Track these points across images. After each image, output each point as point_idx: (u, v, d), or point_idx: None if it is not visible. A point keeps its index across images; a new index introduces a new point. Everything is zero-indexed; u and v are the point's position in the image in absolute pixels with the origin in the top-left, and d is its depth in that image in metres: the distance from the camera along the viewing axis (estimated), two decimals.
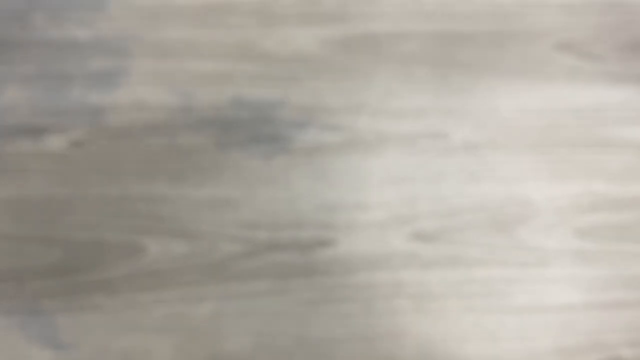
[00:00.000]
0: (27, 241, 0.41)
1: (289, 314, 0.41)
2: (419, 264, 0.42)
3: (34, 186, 0.41)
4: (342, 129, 0.43)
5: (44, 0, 0.43)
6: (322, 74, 0.43)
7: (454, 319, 0.42)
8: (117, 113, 0.42)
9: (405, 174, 0.43)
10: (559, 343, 0.42)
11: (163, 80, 0.43)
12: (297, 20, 0.44)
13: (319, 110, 0.43)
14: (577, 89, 0.44)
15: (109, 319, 0.40)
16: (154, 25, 0.43)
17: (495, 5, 0.45)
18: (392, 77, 0.43)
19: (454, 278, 0.42)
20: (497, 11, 0.45)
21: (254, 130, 0.42)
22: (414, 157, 0.43)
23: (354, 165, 0.42)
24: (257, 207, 0.42)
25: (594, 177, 0.43)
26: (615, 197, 0.43)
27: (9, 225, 0.41)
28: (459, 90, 0.44)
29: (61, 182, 0.41)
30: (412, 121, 0.43)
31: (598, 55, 0.45)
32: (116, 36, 0.43)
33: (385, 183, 0.42)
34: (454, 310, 0.42)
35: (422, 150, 0.43)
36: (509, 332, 0.42)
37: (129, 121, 0.42)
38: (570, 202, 0.43)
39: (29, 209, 0.41)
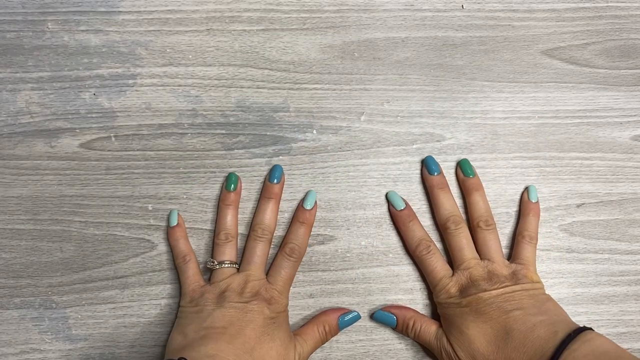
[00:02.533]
0: (40, 238, 0.41)
1: (290, 307, 0.41)
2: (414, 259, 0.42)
3: (47, 186, 0.42)
4: (341, 131, 0.43)
5: (56, 6, 0.43)
6: (321, 79, 0.43)
7: None
8: (126, 116, 0.42)
9: (401, 174, 0.43)
10: None
11: (171, 85, 0.43)
12: (298, 27, 0.44)
13: (319, 114, 0.43)
14: (565, 93, 0.45)
15: (119, 313, 0.41)
16: (162, 31, 0.43)
17: (487, 12, 0.45)
18: (388, 82, 0.44)
19: None
20: (489, 18, 0.45)
21: (258, 133, 0.43)
22: (409, 158, 0.43)
23: (352, 166, 0.43)
24: None
25: (581, 178, 0.44)
26: (602, 197, 0.44)
27: (24, 223, 0.42)
28: (452, 95, 0.44)
29: (73, 182, 0.42)
30: (407, 124, 0.43)
31: (586, 60, 0.45)
32: (126, 42, 0.43)
33: (382, 183, 0.43)
34: None
35: (417, 152, 0.43)
36: None
37: (138, 124, 0.42)
38: (559, 202, 0.44)
39: (43, 207, 0.42)
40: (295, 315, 0.41)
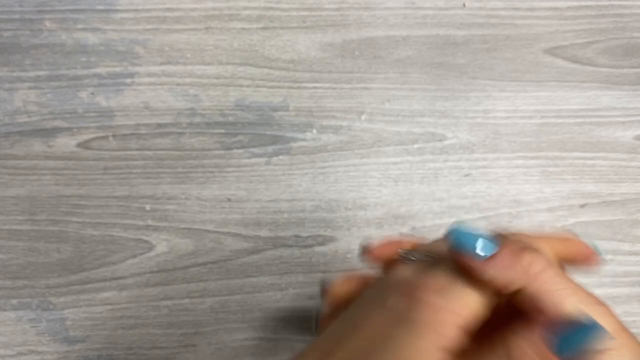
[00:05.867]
0: (38, 239, 0.41)
1: (290, 308, 0.41)
2: None
3: (45, 186, 0.42)
4: (341, 130, 0.43)
5: (53, 5, 0.43)
6: (322, 77, 0.43)
7: None
8: (124, 115, 0.42)
9: (402, 174, 0.43)
10: None
11: (169, 84, 0.43)
12: (298, 25, 0.44)
13: (319, 113, 0.43)
14: (568, 92, 0.44)
15: (117, 314, 0.41)
16: (160, 30, 0.43)
17: (488, 10, 0.45)
18: (389, 81, 0.44)
19: None
20: (490, 16, 0.45)
21: (257, 132, 0.43)
22: (410, 158, 0.43)
23: (352, 165, 0.43)
24: (259, 206, 0.42)
25: (584, 178, 0.44)
26: (605, 197, 0.44)
27: (21, 223, 0.41)
28: (454, 94, 0.44)
29: (70, 182, 0.42)
30: (408, 123, 0.43)
31: (589, 59, 0.45)
32: (124, 40, 0.43)
33: (383, 183, 0.43)
34: None
35: (418, 152, 0.43)
36: None
37: (136, 123, 0.42)
38: (561, 202, 0.43)
39: (40, 207, 0.41)
40: (295, 317, 0.41)
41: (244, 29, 0.43)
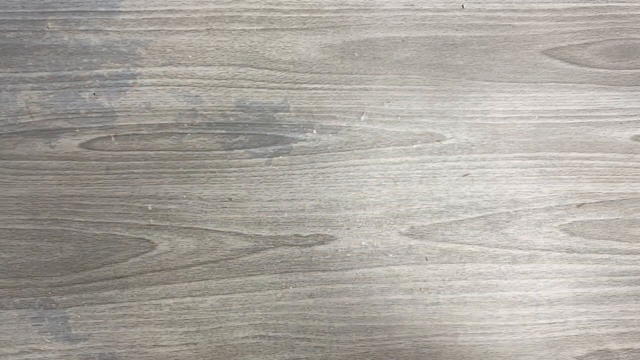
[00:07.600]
0: (40, 238, 0.41)
1: (290, 307, 0.41)
2: (414, 259, 0.42)
3: (47, 186, 0.42)
4: (341, 131, 0.43)
5: (55, 6, 0.43)
6: (321, 78, 0.44)
7: (446, 312, 0.42)
8: (126, 116, 0.42)
9: (401, 174, 0.43)
10: (548, 336, 0.43)
11: (171, 85, 0.43)
12: (298, 27, 0.44)
13: (319, 114, 0.43)
14: (566, 92, 0.45)
15: (119, 313, 0.41)
16: (162, 31, 0.43)
17: (487, 12, 0.45)
18: (388, 82, 0.44)
19: (447, 273, 0.43)
20: (489, 18, 0.45)
21: (258, 133, 0.43)
22: (409, 158, 0.43)
23: (352, 165, 0.43)
24: (260, 205, 0.42)
25: (581, 178, 0.44)
26: (603, 196, 0.44)
27: (24, 223, 0.42)
28: (453, 95, 0.44)
29: (73, 182, 0.42)
30: (407, 124, 0.44)
31: (587, 60, 0.45)
32: (126, 41, 0.43)
33: (382, 183, 0.43)
34: (446, 303, 0.42)
35: (417, 152, 0.44)
36: (499, 325, 0.43)
37: (137, 124, 0.42)
38: (559, 202, 0.44)
39: (42, 207, 0.42)
40: (295, 315, 0.41)
41: (244, 30, 0.44)
